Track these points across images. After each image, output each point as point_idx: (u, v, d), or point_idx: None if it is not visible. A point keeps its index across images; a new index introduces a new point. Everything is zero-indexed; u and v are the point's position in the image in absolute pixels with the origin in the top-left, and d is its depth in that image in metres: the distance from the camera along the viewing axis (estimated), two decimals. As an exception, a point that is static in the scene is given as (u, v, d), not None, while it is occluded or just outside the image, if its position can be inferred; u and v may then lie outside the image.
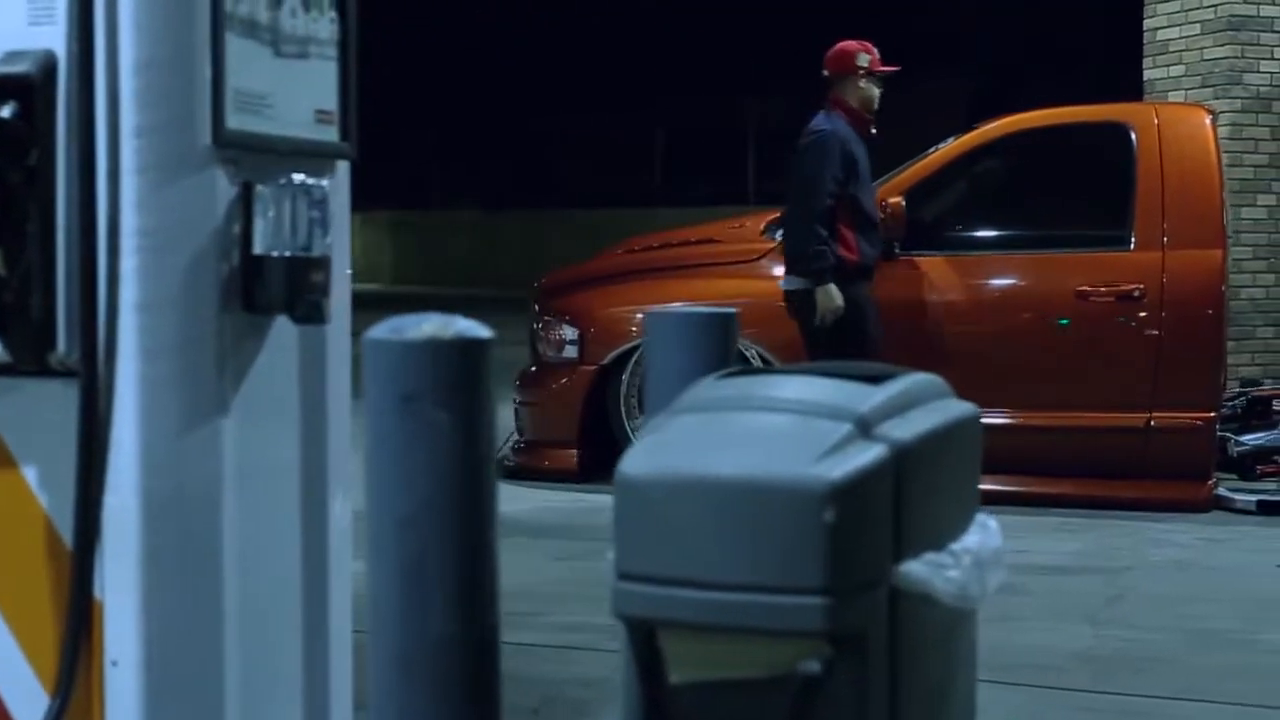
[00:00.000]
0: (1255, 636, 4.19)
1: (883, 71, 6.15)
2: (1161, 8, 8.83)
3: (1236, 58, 8.46)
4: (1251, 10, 8.45)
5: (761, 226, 7.05)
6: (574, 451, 6.80)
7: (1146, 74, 8.97)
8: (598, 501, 6.30)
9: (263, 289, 2.46)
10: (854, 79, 6.10)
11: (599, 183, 33.00)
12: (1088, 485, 6.22)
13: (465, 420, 1.92)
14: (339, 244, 2.74)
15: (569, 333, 6.84)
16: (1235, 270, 8.54)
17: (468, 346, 1.92)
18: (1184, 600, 4.64)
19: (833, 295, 5.88)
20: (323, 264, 2.53)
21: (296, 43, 2.55)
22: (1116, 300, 6.17)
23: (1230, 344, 8.47)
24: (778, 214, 7.32)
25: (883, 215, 6.29)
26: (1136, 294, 6.14)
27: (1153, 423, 6.16)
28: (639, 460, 1.97)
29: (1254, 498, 6.14)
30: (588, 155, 35.94)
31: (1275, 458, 6.39)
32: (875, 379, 2.16)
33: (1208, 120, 6.46)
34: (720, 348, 2.81)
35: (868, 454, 1.95)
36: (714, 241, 7.21)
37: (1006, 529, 5.55)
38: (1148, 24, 8.95)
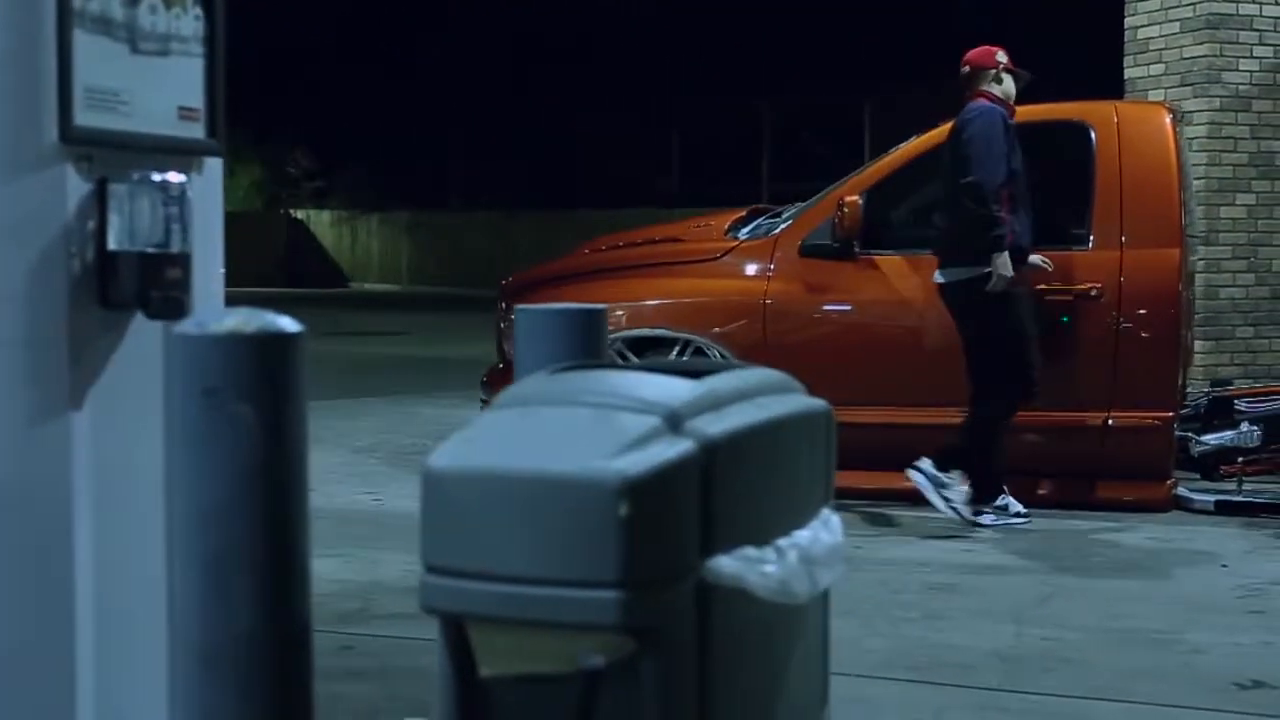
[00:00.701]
0: (1178, 637, 4.16)
1: (1017, 71, 6.14)
2: (1141, 6, 8.80)
3: (1215, 56, 8.42)
4: (1230, 8, 8.41)
5: (726, 226, 7.05)
6: (537, 450, 6.79)
7: (1127, 72, 8.94)
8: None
9: (116, 285, 2.47)
10: (995, 72, 6.06)
11: (615, 183, 33.06)
12: (1045, 484, 6.20)
13: (270, 414, 1.93)
14: (209, 241, 2.75)
15: (529, 332, 6.83)
16: (1214, 270, 8.52)
17: (271, 341, 1.92)
18: (1116, 600, 4.61)
19: (1008, 264, 5.77)
20: (180, 260, 2.54)
21: (156, 40, 2.56)
22: (1075, 299, 6.15)
23: (1209, 344, 8.46)
24: (743, 213, 7.33)
25: (840, 214, 6.29)
26: (1094, 293, 6.11)
27: (1111, 422, 6.13)
28: (446, 455, 1.97)
29: (1213, 498, 6.11)
30: (604, 156, 35.98)
31: (1238, 458, 6.35)
32: (698, 375, 2.17)
33: (1168, 119, 6.42)
34: (589, 344, 2.82)
35: (672, 449, 1.95)
36: (678, 240, 7.21)
37: (958, 528, 5.54)
38: (1128, 22, 8.92)
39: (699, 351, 6.60)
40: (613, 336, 6.68)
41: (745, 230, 6.89)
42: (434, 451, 1.97)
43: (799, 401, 2.36)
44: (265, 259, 39.89)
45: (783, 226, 6.71)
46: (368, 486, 6.62)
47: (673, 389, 2.07)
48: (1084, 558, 5.28)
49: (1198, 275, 8.49)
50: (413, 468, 6.94)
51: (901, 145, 6.74)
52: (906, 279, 6.39)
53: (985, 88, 6.04)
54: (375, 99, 43.73)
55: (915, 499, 6.10)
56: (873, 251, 6.43)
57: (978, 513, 5.81)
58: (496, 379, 7.01)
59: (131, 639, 2.55)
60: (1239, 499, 6.12)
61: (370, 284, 39.26)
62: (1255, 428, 6.36)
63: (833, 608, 4.32)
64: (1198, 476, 6.49)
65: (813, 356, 6.46)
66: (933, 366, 6.34)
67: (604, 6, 33.59)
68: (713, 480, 2.00)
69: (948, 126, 6.61)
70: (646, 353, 6.77)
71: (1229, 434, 6.38)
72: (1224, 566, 5.13)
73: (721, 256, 6.72)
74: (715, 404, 2.10)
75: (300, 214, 44.11)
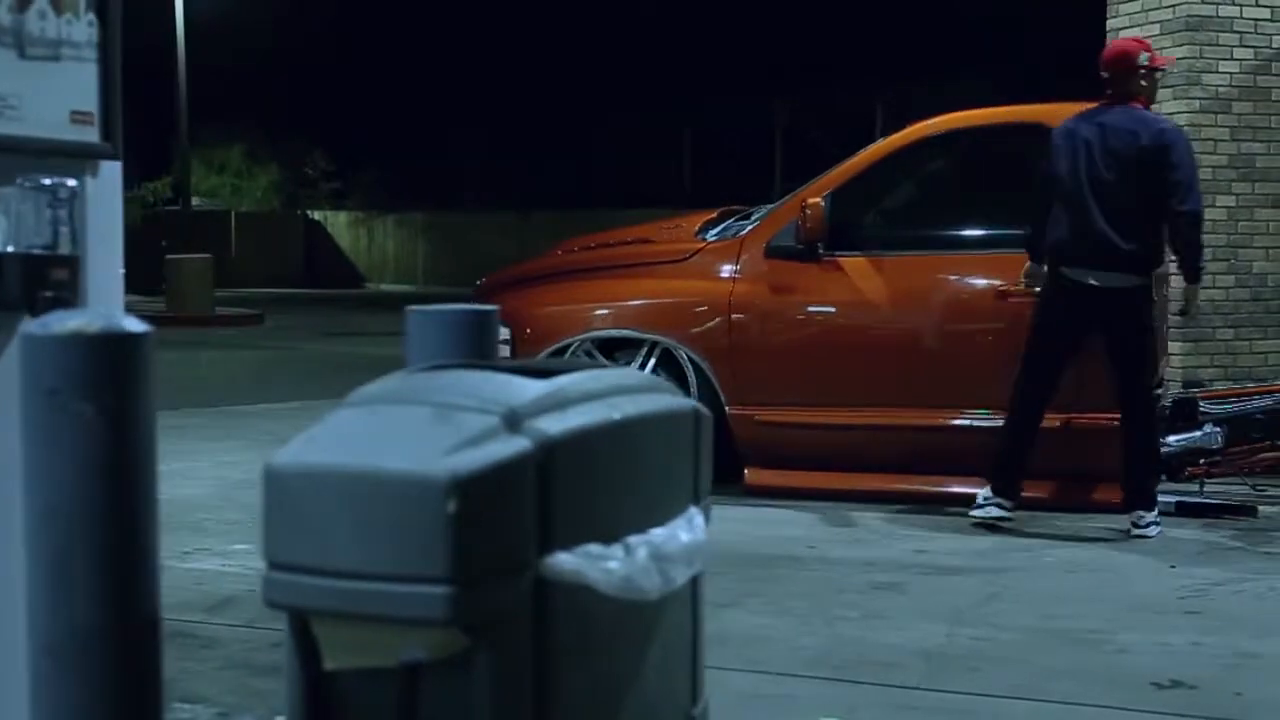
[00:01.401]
0: (1110, 637, 4.17)
1: (1160, 66, 6.17)
2: (1123, 8, 8.79)
3: (1195, 58, 8.42)
4: (1210, 10, 8.40)
5: (697, 227, 7.08)
6: (508, 450, 6.84)
7: (1110, 74, 8.94)
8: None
9: (1, 286, 2.52)
10: (1137, 76, 6.05)
11: (630, 184, 33.13)
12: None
13: (114, 414, 1.97)
14: (106, 242, 2.79)
15: (502, 332, 6.89)
16: (1194, 271, 8.50)
17: (114, 341, 1.97)
18: (1057, 601, 4.63)
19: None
20: (69, 262, 2.58)
21: (46, 45, 2.60)
22: (1035, 300, 6.16)
23: (1189, 345, 8.45)
24: (714, 214, 7.35)
25: (803, 215, 6.33)
26: (1053, 294, 6.12)
27: (1072, 424, 6.15)
28: (288, 453, 2.00)
29: (1174, 499, 6.11)
30: (618, 156, 36.06)
31: (1199, 460, 6.36)
32: (547, 374, 2.20)
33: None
34: (477, 344, 2.85)
35: (507, 447, 1.98)
36: (648, 241, 7.25)
37: (915, 528, 5.54)
38: (1110, 24, 8.91)
39: (666, 353, 6.64)
40: (581, 337, 6.74)
41: (714, 232, 6.92)
42: (279, 450, 2.00)
43: (660, 402, 2.39)
44: (282, 259, 40.12)
45: (749, 228, 6.74)
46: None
47: (516, 389, 2.10)
48: (1035, 558, 5.30)
49: (1176, 277, 8.49)
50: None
51: (867, 147, 6.76)
52: (871, 280, 6.42)
53: (1133, 91, 6.00)
54: (391, 100, 43.90)
55: (872, 499, 6.14)
56: (838, 253, 6.46)
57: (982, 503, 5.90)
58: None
59: (5, 636, 2.58)
60: (1199, 500, 6.13)
61: (386, 284, 39.41)
62: (1218, 429, 6.37)
63: (772, 606, 4.36)
64: (1164, 478, 6.50)
65: (778, 357, 6.51)
66: (895, 368, 6.37)
67: (617, 6, 33.69)
68: (552, 478, 2.04)
69: (913, 129, 6.63)
70: (616, 354, 6.81)
71: (1192, 435, 6.39)
72: (1172, 568, 5.14)
73: (689, 258, 6.75)
74: (560, 404, 2.13)
75: (317, 215, 44.31)
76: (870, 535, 5.68)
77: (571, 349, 6.78)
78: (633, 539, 2.22)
